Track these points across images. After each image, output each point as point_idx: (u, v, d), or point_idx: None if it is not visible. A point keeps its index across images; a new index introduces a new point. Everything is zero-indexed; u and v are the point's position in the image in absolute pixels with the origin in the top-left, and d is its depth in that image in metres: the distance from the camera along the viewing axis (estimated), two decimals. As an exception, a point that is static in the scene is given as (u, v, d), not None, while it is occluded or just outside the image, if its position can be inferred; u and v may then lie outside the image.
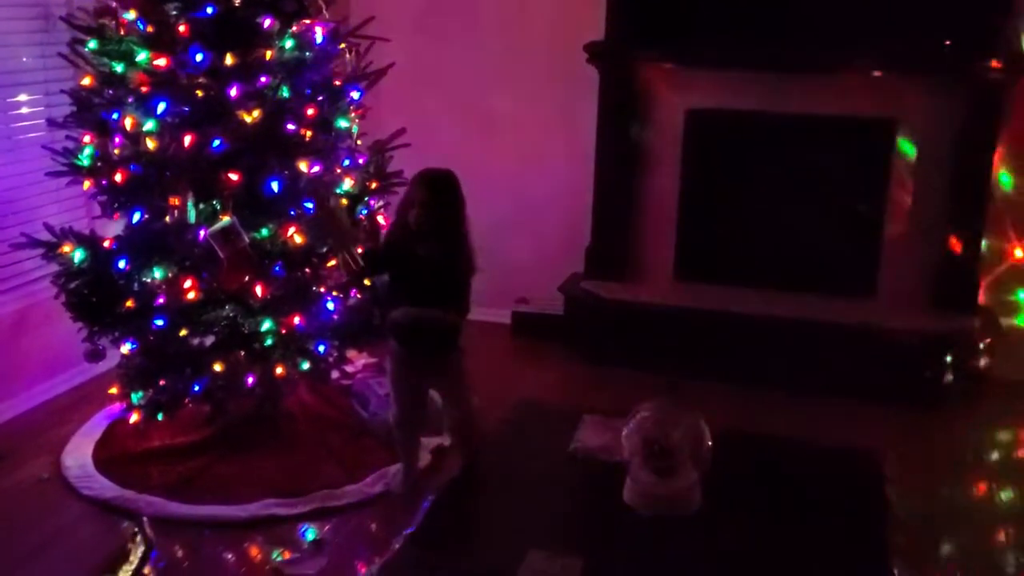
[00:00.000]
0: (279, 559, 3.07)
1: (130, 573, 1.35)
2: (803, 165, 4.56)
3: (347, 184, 3.64)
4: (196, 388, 3.52)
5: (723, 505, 2.30)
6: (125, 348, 3.54)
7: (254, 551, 3.16)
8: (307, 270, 3.53)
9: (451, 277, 3.10)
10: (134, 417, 3.63)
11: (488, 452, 2.65)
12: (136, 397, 3.59)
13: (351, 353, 3.91)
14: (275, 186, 3.36)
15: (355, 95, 3.64)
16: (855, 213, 4.61)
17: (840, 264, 4.61)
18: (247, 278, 3.32)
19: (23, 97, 3.94)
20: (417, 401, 3.30)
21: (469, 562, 2.11)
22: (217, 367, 3.52)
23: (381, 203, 3.79)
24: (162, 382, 3.53)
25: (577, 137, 4.85)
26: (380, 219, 3.68)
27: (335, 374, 3.83)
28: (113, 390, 3.71)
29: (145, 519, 1.42)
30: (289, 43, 3.41)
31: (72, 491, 3.40)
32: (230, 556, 3.13)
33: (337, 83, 3.62)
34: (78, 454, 3.62)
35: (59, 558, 3.02)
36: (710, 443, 2.24)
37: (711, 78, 4.54)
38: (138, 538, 1.41)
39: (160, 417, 3.60)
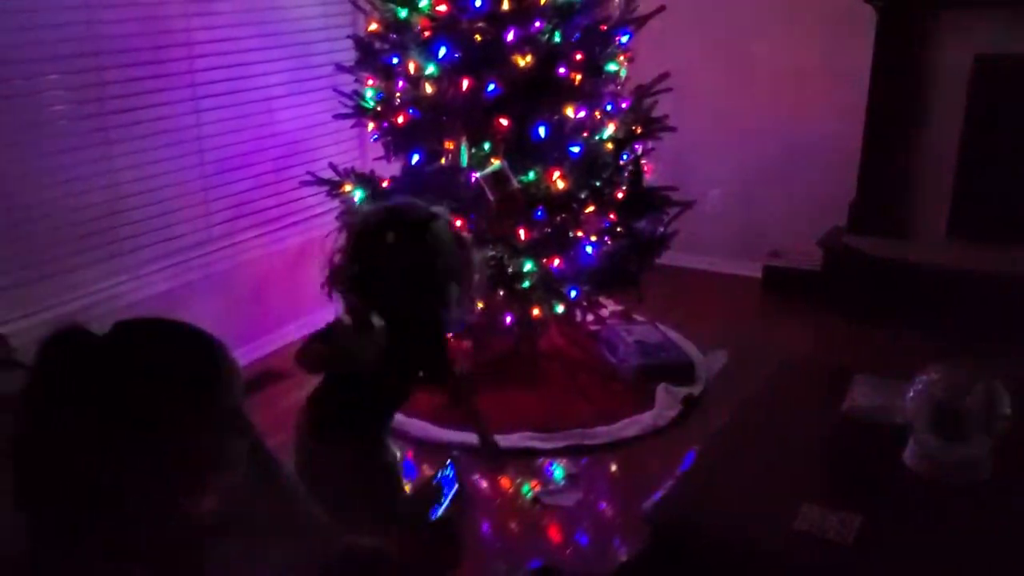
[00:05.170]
0: (536, 488, 3.28)
1: (448, 497, 1.50)
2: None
3: (610, 129, 3.72)
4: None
5: (1017, 475, 2.22)
6: (398, 283, 3.83)
7: (508, 479, 3.38)
8: (567, 215, 3.66)
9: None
10: (402, 347, 3.93)
11: (753, 409, 2.67)
12: (405, 329, 3.89)
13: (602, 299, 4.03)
14: (542, 131, 3.51)
15: (623, 39, 3.70)
16: None
17: None
18: (514, 220, 3.49)
19: (310, 43, 4.29)
20: None
21: (742, 507, 2.17)
22: (479, 305, 3.73)
23: (642, 148, 3.85)
24: (429, 316, 3.80)
25: (846, 82, 4.70)
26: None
27: (589, 318, 3.96)
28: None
29: (458, 455, 1.56)
30: (562, -13, 3.52)
31: (347, 411, 3.75)
32: (487, 482, 3.36)
33: (604, 28, 3.69)
34: (352, 378, 3.97)
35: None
36: (1009, 410, 2.16)
37: (1005, 18, 4.23)
38: (452, 472, 1.56)
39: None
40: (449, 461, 1.61)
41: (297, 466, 2.09)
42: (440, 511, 1.52)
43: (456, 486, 1.56)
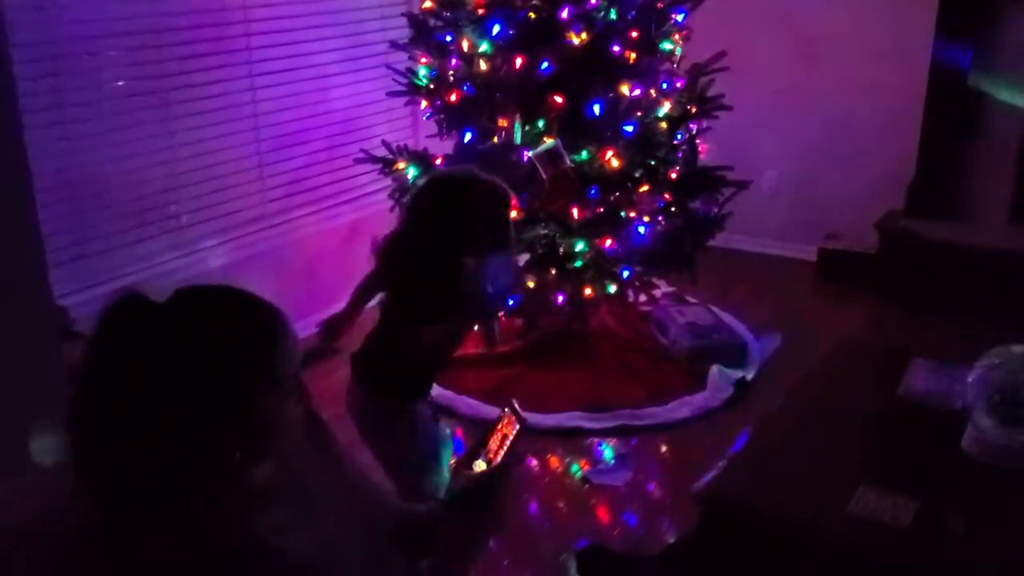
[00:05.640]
0: (585, 468, 3.28)
1: (507, 445, 1.51)
2: None
3: (665, 107, 3.68)
4: (510, 303, 3.76)
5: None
6: (448, 260, 3.85)
7: (557, 458, 3.38)
8: (620, 194, 3.63)
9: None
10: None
11: (808, 390, 2.63)
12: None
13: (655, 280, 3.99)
14: (597, 109, 3.48)
15: (679, 17, 3.65)
16: None
17: None
18: (567, 200, 3.48)
19: (364, 21, 4.30)
20: None
21: (795, 490, 2.14)
22: (530, 284, 3.73)
23: (697, 128, 3.80)
24: (481, 294, 3.81)
25: (906, 59, 4.59)
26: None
27: (641, 298, 3.93)
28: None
29: (514, 401, 1.56)
30: (617, -35, 3.48)
31: (397, 388, 3.78)
32: (536, 461, 3.37)
33: (659, 5, 3.64)
34: (402, 355, 4.00)
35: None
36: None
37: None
38: (512, 418, 1.56)
39: (476, 328, 3.89)
40: (506, 408, 1.61)
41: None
42: (500, 457, 1.52)
43: (517, 428, 1.55)
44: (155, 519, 1.12)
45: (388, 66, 3.89)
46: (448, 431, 2.49)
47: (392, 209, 3.86)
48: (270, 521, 1.20)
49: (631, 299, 3.96)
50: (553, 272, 3.68)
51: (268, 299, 1.23)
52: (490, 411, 3.52)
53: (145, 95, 3.50)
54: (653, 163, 3.64)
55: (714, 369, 3.77)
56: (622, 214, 3.63)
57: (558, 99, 3.45)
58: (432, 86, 3.72)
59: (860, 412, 2.50)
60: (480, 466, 1.51)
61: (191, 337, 1.13)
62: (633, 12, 3.54)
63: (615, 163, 3.54)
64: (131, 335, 1.12)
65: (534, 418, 3.46)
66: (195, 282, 1.23)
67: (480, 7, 3.48)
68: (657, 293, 4.10)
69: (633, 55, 3.50)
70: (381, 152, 3.91)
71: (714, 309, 4.27)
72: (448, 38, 3.64)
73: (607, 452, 3.41)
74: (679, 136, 3.70)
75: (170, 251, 3.69)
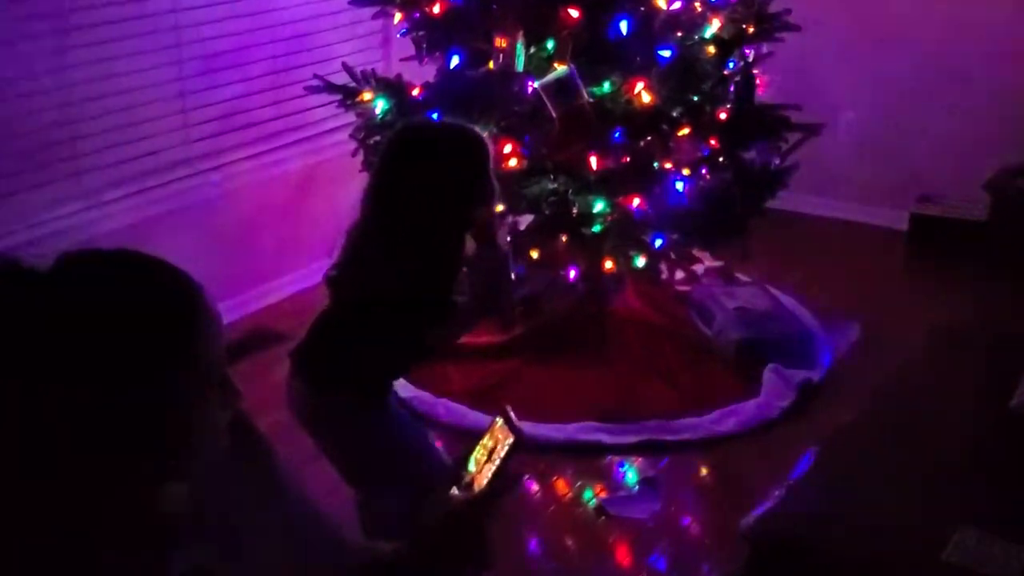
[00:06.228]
0: (601, 495, 3.28)
1: (496, 464, 1.51)
2: None
3: (713, 26, 3.66)
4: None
5: None
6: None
7: (565, 482, 3.39)
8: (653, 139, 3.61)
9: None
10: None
11: (891, 399, 2.64)
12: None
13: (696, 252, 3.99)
14: (624, 26, 3.46)
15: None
16: None
17: None
18: (583, 145, 3.46)
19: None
20: None
21: (873, 529, 2.15)
22: (533, 254, 3.72)
23: (754, 54, 3.79)
24: (467, 268, 3.81)
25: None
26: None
27: (678, 275, 3.93)
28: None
29: (508, 408, 1.56)
30: None
31: (360, 386, 3.78)
32: (538, 485, 3.38)
33: None
34: (367, 344, 4.00)
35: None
36: None
37: None
38: (503, 427, 1.56)
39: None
40: (497, 416, 1.61)
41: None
42: (487, 479, 1.53)
43: (511, 441, 1.56)
44: (35, 556, 1.11)
45: (351, -33, 3.87)
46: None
47: (355, 153, 3.84)
48: (186, 562, 1.19)
49: (664, 276, 3.96)
50: (564, 239, 3.68)
51: (187, 268, 1.22)
52: (477, 419, 3.53)
53: (36, 2, 3.46)
54: (696, 99, 3.63)
55: (770, 369, 3.78)
56: (655, 165, 3.63)
57: (573, 13, 3.43)
58: (411, -7, 3.70)
59: (961, 428, 2.50)
60: (458, 491, 1.51)
61: (77, 313, 1.12)
62: (673, -100, 3.53)
63: (646, 98, 3.52)
64: (4, 309, 1.11)
65: (535, 429, 3.47)
66: (95, 244, 1.21)
67: None
68: (698, 269, 4.10)
69: (672, -44, 3.49)
70: (342, 79, 3.88)
71: (772, 290, 4.27)
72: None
73: (630, 475, 3.42)
74: (731, 64, 3.68)
75: (64, 204, 3.69)
